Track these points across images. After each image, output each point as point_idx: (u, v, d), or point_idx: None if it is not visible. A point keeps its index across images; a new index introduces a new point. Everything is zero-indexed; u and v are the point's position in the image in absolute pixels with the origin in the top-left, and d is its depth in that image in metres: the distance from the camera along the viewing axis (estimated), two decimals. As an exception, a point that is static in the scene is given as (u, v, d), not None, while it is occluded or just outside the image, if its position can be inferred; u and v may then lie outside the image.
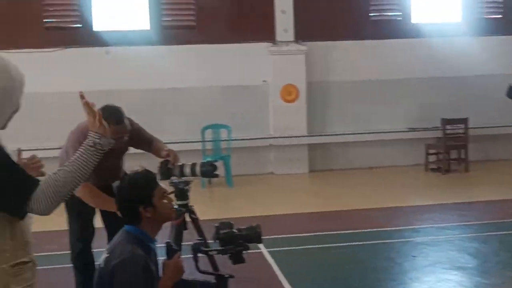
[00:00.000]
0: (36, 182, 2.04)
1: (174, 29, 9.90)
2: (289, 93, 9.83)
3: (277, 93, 9.85)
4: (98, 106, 3.83)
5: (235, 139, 9.45)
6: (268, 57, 9.85)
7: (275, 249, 5.39)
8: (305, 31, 9.87)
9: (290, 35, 9.89)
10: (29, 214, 2.11)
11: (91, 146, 2.15)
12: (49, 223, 3.09)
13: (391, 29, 10.36)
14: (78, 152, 2.14)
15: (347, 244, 5.72)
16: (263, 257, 5.24)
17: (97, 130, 2.19)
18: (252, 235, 2.80)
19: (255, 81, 9.89)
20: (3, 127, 2.14)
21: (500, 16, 10.68)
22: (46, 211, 2.04)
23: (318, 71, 10.06)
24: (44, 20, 9.47)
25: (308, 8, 9.93)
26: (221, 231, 2.75)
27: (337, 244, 5.73)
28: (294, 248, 5.69)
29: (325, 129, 10.17)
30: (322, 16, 10.01)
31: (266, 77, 9.87)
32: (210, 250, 2.94)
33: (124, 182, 2.75)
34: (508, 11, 10.57)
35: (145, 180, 2.71)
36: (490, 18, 10.68)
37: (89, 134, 2.19)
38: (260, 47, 9.83)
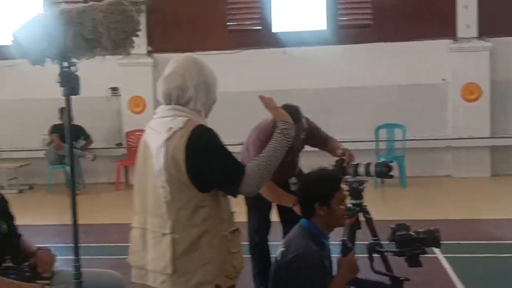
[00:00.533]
0: (244, 167, 2.35)
1: (350, 28, 9.90)
2: (470, 92, 9.31)
3: (458, 92, 9.38)
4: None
5: (410, 139, 9.19)
6: (448, 55, 9.42)
7: (452, 255, 5.16)
8: (489, 26, 9.27)
9: (473, 31, 9.36)
10: None
11: (279, 133, 2.44)
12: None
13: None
14: (271, 141, 2.43)
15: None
16: (438, 262, 5.04)
17: (282, 118, 2.49)
18: (430, 238, 2.72)
19: (433, 80, 9.52)
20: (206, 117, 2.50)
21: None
22: (252, 192, 2.37)
23: (503, 69, 9.39)
24: (228, 24, 10.04)
25: (493, 2, 9.31)
26: (398, 233, 2.72)
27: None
28: (473, 255, 5.40)
29: (510, 130, 9.47)
30: (509, 10, 9.32)
31: (445, 75, 9.45)
32: (387, 251, 2.91)
33: (311, 175, 2.83)
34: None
35: (331, 179, 2.77)
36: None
37: (276, 125, 2.48)
38: (440, 44, 9.43)
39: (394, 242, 2.75)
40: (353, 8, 10.02)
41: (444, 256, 5.11)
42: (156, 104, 9.10)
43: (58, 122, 9.21)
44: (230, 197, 2.47)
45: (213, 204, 2.36)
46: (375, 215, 4.06)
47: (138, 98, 9.91)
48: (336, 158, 3.92)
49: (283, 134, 2.44)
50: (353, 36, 9.72)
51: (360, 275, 2.70)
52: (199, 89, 2.40)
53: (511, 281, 4.65)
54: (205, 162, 2.31)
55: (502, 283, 4.61)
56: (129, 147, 9.93)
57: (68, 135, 2.62)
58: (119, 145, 10.15)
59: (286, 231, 3.99)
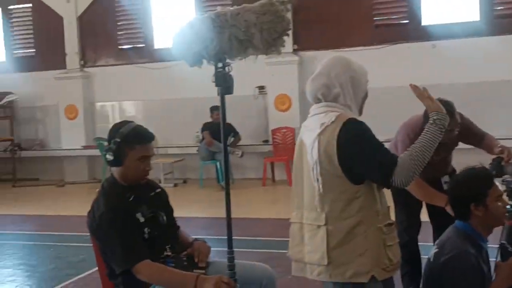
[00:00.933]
0: (396, 158, 2.36)
1: (506, 18, 9.26)
2: None
3: None
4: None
5: None
6: None
7: None
8: None
9: None
10: None
11: (432, 123, 2.40)
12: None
13: None
14: (424, 132, 2.40)
15: None
16: None
17: (435, 109, 2.43)
18: None
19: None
20: (360, 113, 2.55)
21: None
22: (405, 183, 2.36)
23: None
24: (374, 19, 9.87)
25: None
26: None
27: None
28: None
29: None
30: None
31: None
32: None
33: (460, 176, 2.72)
34: None
35: (481, 177, 2.64)
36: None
37: (429, 115, 2.44)
38: None
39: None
40: (510, -4, 9.37)
41: None
42: (302, 101, 9.30)
43: (209, 120, 9.67)
44: (385, 191, 2.48)
45: (367, 196, 2.40)
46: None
47: (284, 96, 10.09)
48: (493, 156, 3.71)
49: (436, 125, 2.39)
50: (510, 26, 9.09)
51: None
52: (345, 85, 2.45)
53: None
54: (356, 153, 2.35)
55: None
56: (275, 144, 10.15)
57: (222, 133, 2.73)
58: (265, 142, 10.41)
59: (437, 231, 3.85)
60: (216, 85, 2.60)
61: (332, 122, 2.39)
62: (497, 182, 3.02)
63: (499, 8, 9.34)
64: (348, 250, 2.37)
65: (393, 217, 3.10)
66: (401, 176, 2.33)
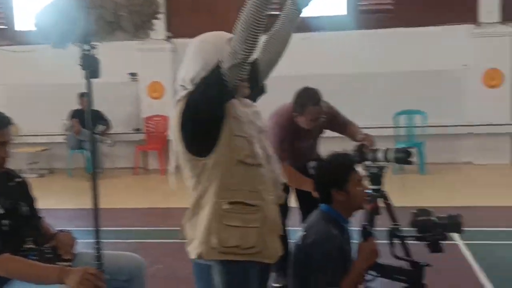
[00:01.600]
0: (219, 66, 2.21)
1: (371, 13, 9.79)
2: (492, 78, 9.18)
3: (479, 78, 9.26)
4: (295, 90, 4.00)
5: (430, 126, 9.11)
6: (468, 40, 9.28)
7: (472, 242, 5.13)
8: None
9: (495, 16, 9.21)
10: None
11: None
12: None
13: None
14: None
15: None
16: (458, 248, 5.02)
17: None
18: (452, 224, 2.70)
19: (453, 66, 9.38)
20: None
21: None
22: (242, 53, 2.13)
23: (525, 54, 9.25)
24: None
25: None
26: (419, 218, 2.70)
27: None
28: (493, 242, 5.35)
29: (531, 117, 9.35)
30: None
31: (467, 61, 9.32)
32: (408, 236, 2.89)
33: (323, 162, 2.82)
34: None
35: (343, 163, 2.76)
36: None
37: None
38: (461, 30, 9.30)
39: (415, 228, 2.73)
40: (374, -7, 9.91)
41: (464, 243, 5.08)
42: (175, 89, 9.22)
43: (78, 107, 9.28)
44: (253, 174, 2.32)
45: (216, 169, 2.27)
46: (394, 202, 4.04)
47: (156, 83, 9.94)
48: (357, 143, 3.90)
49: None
50: (374, 21, 9.62)
51: (381, 261, 2.69)
52: (199, 66, 2.31)
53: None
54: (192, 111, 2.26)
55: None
56: (147, 132, 9.98)
57: (89, 119, 2.62)
58: (137, 130, 10.20)
59: (304, 215, 3.99)
60: (82, 69, 2.49)
61: (183, 97, 2.32)
62: (359, 167, 3.19)
63: (364, 3, 9.82)
64: (193, 224, 2.35)
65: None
66: (234, 54, 2.14)
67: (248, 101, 2.43)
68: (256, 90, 2.52)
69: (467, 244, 5.06)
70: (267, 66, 2.56)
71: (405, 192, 7.13)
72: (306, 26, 9.57)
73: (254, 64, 2.42)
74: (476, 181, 8.31)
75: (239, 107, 2.33)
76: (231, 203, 2.27)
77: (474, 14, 9.31)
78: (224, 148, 2.26)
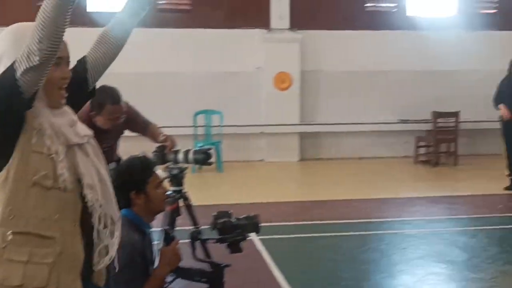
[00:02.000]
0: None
1: (170, 12, 9.82)
2: (282, 81, 9.81)
3: (270, 81, 9.83)
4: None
5: (227, 125, 9.44)
6: (262, 44, 9.81)
7: (265, 237, 5.39)
8: (300, 19, 9.84)
9: (285, 23, 9.85)
10: None
11: None
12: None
13: (386, 21, 10.35)
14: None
15: (336, 234, 5.75)
16: (253, 244, 5.25)
17: None
18: (250, 225, 2.80)
19: (248, 68, 9.85)
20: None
21: (495, 11, 10.72)
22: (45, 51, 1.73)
23: (312, 60, 10.04)
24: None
25: (304, -4, 9.92)
26: (219, 220, 2.75)
27: (326, 234, 5.76)
28: (284, 236, 5.71)
29: (317, 118, 10.18)
30: (318, 4, 9.99)
31: (260, 64, 9.84)
32: (209, 239, 2.93)
33: (121, 165, 2.74)
34: (503, 7, 10.60)
35: (141, 166, 2.70)
36: (485, 13, 10.71)
37: None
38: (255, 34, 9.79)
39: (215, 230, 2.77)
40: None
41: (259, 238, 5.33)
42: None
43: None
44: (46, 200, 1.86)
45: (1, 193, 1.83)
46: (194, 200, 4.10)
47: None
48: (158, 145, 3.87)
49: None
50: (173, 21, 9.67)
51: (183, 264, 2.69)
52: None
53: (318, 260, 5.00)
54: None
55: (311, 262, 4.95)
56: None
57: None
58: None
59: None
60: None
61: None
62: (160, 169, 3.16)
63: (162, 2, 9.82)
64: None
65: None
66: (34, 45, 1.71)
67: (65, 108, 1.96)
68: (83, 94, 2.11)
69: (261, 239, 5.32)
70: (99, 65, 2.12)
71: (204, 191, 7.30)
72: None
73: (81, 63, 2.06)
74: (267, 178, 8.80)
75: (47, 115, 1.89)
76: (17, 233, 1.84)
77: (267, 20, 9.85)
78: (17, 165, 1.84)
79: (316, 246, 5.40)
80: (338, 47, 10.10)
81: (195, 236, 2.88)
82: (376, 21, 10.31)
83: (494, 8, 10.71)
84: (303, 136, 10.10)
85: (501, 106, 7.58)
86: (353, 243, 5.48)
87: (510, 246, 5.33)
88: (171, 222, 3.74)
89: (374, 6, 10.46)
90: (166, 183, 3.36)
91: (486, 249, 5.21)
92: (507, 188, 7.61)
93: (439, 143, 9.81)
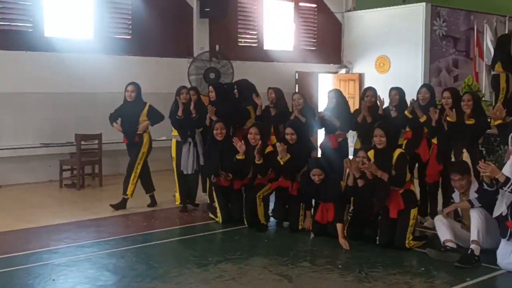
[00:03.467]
0: None
1: None
2: None
3: None
4: None
5: None
6: None
7: None
8: None
9: None
10: None
11: None
12: None
13: (21, 41, 9.92)
14: None
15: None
16: None
17: None
18: None
19: None
20: None
21: (129, 37, 11.29)
22: None
23: None
24: None
25: None
26: None
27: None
28: None
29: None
30: None
31: None
32: None
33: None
34: (136, 33, 11.25)
35: None
36: (120, 38, 11.20)
37: None
38: None
39: None
40: None
41: None
42: None
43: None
44: None
45: None
46: None
47: None
48: None
49: None
50: None
51: None
52: None
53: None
54: None
55: None
56: None
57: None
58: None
59: None
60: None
61: None
62: None
63: None
64: None
65: None
66: None
67: None
68: None
69: None
70: None
71: None
72: None
73: None
74: None
75: None
76: None
77: None
78: None
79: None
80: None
81: None
82: (10, 40, 9.79)
83: (128, 34, 11.28)
84: None
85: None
86: (1, 280, 5.04)
87: (156, 262, 5.63)
88: None
89: (9, 24, 9.90)
90: None
91: (134, 268, 5.39)
92: (149, 206, 8.17)
93: (84, 165, 9.83)
